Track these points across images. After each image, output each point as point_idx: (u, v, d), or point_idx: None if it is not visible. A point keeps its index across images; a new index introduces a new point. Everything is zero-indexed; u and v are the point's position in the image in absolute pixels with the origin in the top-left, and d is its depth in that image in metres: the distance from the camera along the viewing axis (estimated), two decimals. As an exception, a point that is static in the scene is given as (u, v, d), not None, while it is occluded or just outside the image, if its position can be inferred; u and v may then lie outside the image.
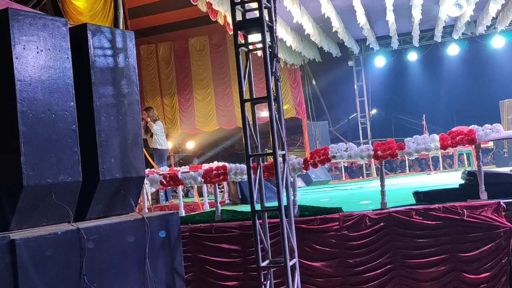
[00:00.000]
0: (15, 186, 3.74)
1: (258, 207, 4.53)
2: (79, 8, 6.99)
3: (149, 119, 9.68)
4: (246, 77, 4.52)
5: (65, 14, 6.77)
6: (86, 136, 4.31)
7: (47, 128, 3.94)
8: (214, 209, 6.09)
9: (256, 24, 4.48)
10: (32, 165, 3.79)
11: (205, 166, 7.80)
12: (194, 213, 7.05)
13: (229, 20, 9.04)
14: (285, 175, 4.55)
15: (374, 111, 18.59)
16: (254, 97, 4.68)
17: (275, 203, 4.40)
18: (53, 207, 3.95)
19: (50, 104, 3.98)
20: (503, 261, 4.73)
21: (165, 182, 6.48)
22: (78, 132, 4.18)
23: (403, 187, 8.55)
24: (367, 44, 15.53)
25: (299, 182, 11.27)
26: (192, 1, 8.66)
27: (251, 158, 4.51)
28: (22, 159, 3.73)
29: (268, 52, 4.41)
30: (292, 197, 5.29)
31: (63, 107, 4.08)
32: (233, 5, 4.55)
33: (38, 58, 3.94)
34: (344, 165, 13.79)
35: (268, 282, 4.55)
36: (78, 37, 4.41)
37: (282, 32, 10.91)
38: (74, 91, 4.19)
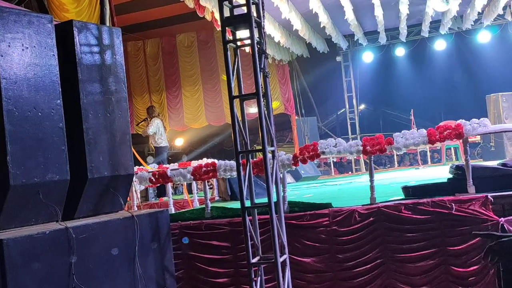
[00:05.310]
0: (2, 186, 3.69)
1: (248, 203, 4.53)
2: (64, 5, 6.91)
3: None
4: (235, 73, 4.51)
5: (51, 11, 6.69)
6: (73, 134, 4.26)
7: (33, 126, 3.89)
8: (203, 206, 6.08)
9: (244, 20, 4.46)
10: (19, 164, 3.75)
11: (195, 163, 7.77)
12: (183, 210, 7.02)
13: (217, 16, 8.98)
14: (274, 171, 4.55)
15: (362, 106, 18.61)
16: (243, 93, 4.66)
17: (265, 200, 4.40)
18: (41, 206, 3.91)
19: (37, 102, 3.93)
20: (491, 254, 4.77)
21: (154, 180, 6.44)
22: (65, 130, 4.13)
23: (392, 181, 8.60)
24: (355, 39, 15.52)
25: (289, 178, 11.27)
26: (179, -3, 8.60)
27: (240, 155, 4.50)
28: (9, 158, 3.69)
29: (256, 48, 4.39)
30: (282, 193, 5.30)
31: (50, 105, 4.03)
32: (220, 1, 4.52)
33: (24, 55, 3.89)
34: (333, 161, 13.80)
35: (259, 278, 4.55)
36: (64, 34, 4.36)
37: (270, 28, 10.89)
38: (60, 89, 4.14)
